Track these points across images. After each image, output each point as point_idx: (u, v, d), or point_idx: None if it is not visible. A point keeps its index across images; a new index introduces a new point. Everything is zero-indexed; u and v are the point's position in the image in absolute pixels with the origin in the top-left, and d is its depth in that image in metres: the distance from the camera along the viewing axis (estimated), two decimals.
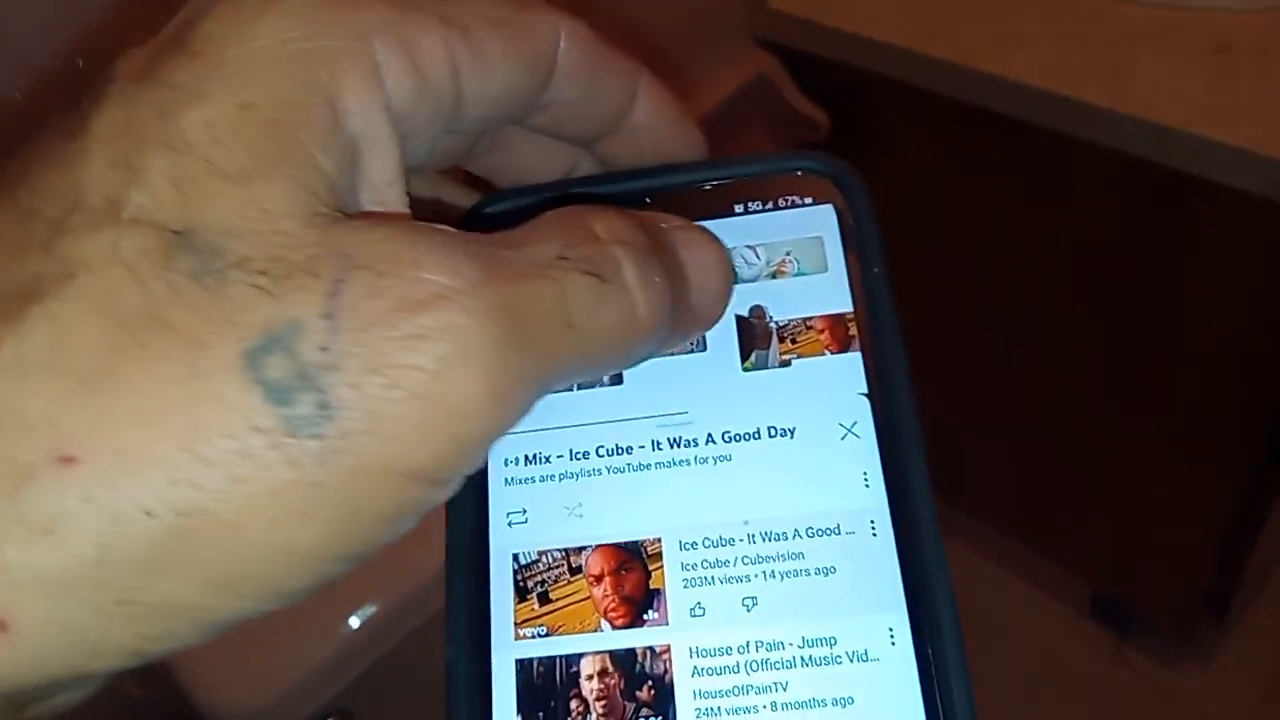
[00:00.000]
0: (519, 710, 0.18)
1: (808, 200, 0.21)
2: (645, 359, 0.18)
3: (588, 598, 0.18)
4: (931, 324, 0.88)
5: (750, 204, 0.21)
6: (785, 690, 0.17)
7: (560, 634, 0.18)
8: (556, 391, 0.18)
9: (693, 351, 0.20)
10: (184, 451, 0.13)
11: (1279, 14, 0.63)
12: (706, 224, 0.21)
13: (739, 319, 0.20)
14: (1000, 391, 0.94)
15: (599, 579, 0.18)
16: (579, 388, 0.20)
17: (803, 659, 0.17)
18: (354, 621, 0.51)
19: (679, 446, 0.19)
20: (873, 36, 0.70)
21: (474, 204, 0.21)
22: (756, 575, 0.18)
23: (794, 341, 0.20)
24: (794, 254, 0.21)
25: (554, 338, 0.15)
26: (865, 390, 0.19)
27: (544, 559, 0.19)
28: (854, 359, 0.19)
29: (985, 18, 0.69)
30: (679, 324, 0.18)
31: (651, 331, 0.17)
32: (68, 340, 0.13)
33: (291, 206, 0.14)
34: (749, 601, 0.18)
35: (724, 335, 0.20)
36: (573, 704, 0.18)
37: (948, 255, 0.84)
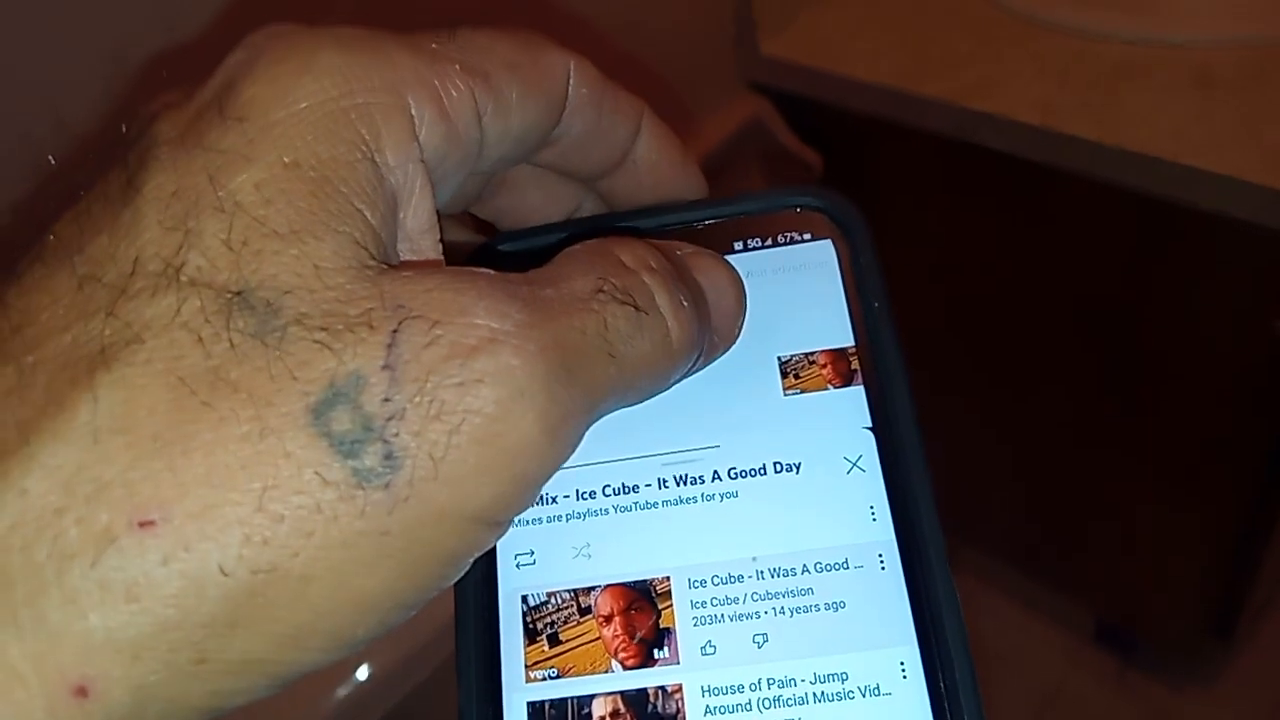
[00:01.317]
0: None
1: (807, 236, 0.21)
2: (676, 383, 0.19)
3: (598, 638, 0.18)
4: (926, 356, 0.88)
5: (750, 241, 0.21)
6: None
7: (571, 675, 0.18)
8: None
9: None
10: (257, 510, 0.13)
11: (1253, 50, 0.65)
12: None
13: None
14: (997, 421, 0.94)
15: (609, 619, 0.18)
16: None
17: (815, 695, 0.17)
18: (361, 673, 0.50)
19: (685, 484, 0.19)
20: (864, 79, 0.71)
21: (484, 243, 0.22)
22: (766, 612, 0.18)
23: (797, 376, 0.20)
24: (795, 290, 0.21)
25: (599, 369, 0.16)
26: (869, 424, 0.19)
27: (553, 600, 0.19)
28: (857, 393, 0.20)
29: (971, 58, 0.70)
30: (705, 346, 0.19)
31: (685, 354, 0.18)
32: (137, 404, 0.13)
33: (342, 261, 0.15)
34: (759, 638, 0.18)
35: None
36: None
37: (941, 290, 0.84)
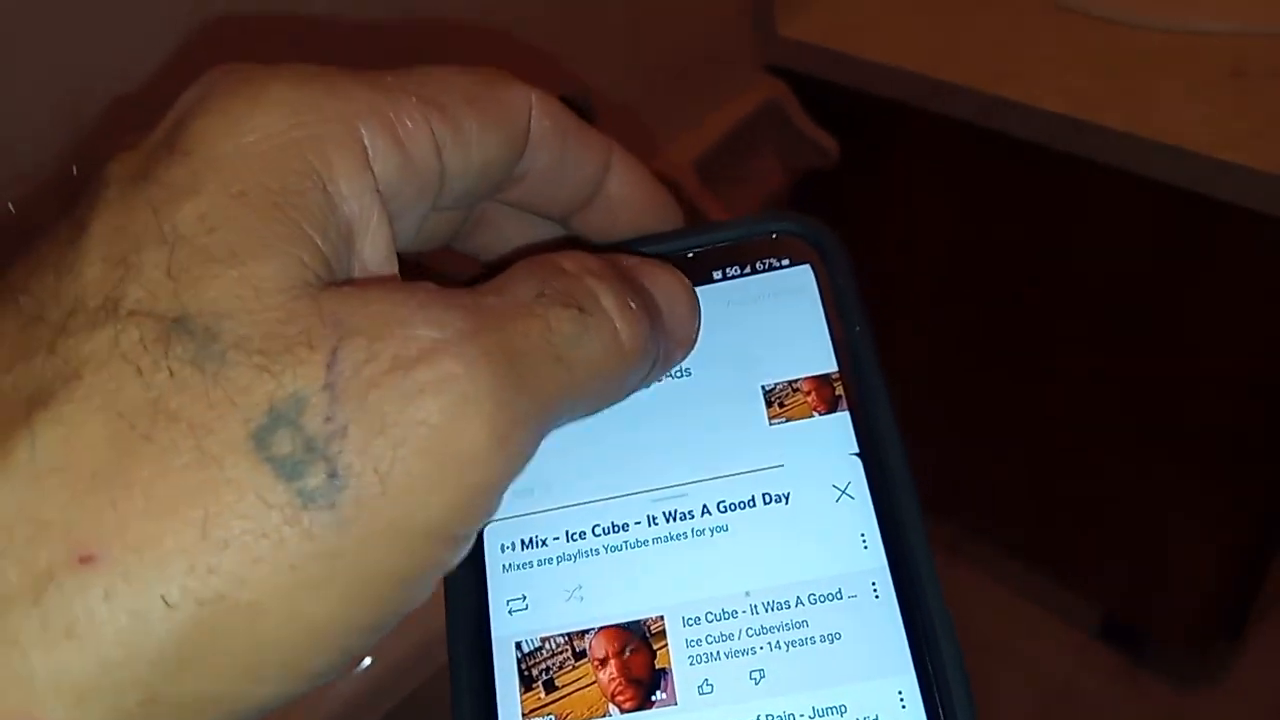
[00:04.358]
0: None
1: (785, 261, 0.21)
2: (636, 389, 0.19)
3: (594, 682, 0.18)
4: (945, 346, 0.87)
5: (729, 269, 0.21)
6: None
7: None
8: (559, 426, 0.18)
9: None
10: (200, 539, 0.13)
11: None
12: None
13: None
14: (1011, 412, 0.93)
15: (604, 662, 0.18)
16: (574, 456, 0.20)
17: None
18: (364, 663, 0.50)
19: (675, 520, 0.19)
20: (885, 62, 0.70)
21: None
22: (762, 647, 0.18)
23: (782, 405, 0.20)
24: (776, 317, 0.21)
25: (546, 374, 0.16)
26: (856, 450, 0.19)
27: (547, 645, 0.18)
28: (843, 419, 0.19)
29: (997, 43, 0.69)
30: (661, 350, 0.18)
31: (638, 357, 0.17)
32: (76, 441, 0.13)
33: (284, 281, 0.14)
34: (756, 674, 0.18)
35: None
36: None
37: (961, 278, 0.83)
